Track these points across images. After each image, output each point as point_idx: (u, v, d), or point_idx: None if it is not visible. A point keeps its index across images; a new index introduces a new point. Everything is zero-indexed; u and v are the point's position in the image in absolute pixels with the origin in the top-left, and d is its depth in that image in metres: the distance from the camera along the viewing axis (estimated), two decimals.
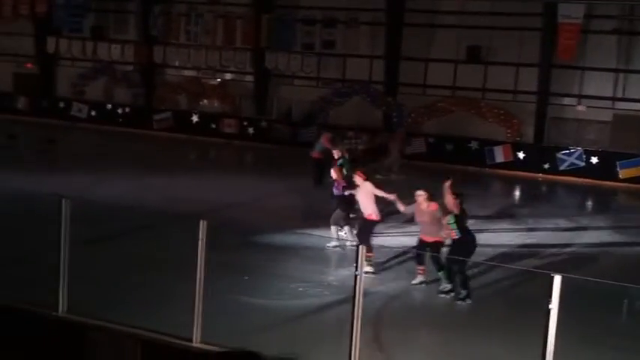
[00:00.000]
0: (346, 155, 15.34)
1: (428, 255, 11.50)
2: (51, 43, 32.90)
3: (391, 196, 12.24)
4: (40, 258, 10.46)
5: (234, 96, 31.39)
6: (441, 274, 11.37)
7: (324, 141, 19.34)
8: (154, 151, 26.51)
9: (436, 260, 11.38)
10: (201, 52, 30.56)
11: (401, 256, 13.24)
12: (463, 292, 10.96)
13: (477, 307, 10.90)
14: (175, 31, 30.96)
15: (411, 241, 12.72)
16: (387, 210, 13.45)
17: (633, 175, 23.93)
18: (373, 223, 12.61)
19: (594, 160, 24.49)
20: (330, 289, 11.32)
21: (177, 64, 31.70)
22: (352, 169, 14.08)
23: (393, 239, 14.42)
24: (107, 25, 33.14)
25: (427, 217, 11.50)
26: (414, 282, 11.71)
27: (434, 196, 11.66)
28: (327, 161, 17.23)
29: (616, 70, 25.72)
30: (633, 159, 24.08)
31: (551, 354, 6.67)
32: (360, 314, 7.46)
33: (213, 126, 30.04)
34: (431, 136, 26.74)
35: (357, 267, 7.53)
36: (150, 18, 31.22)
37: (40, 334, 8.60)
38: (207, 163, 26.48)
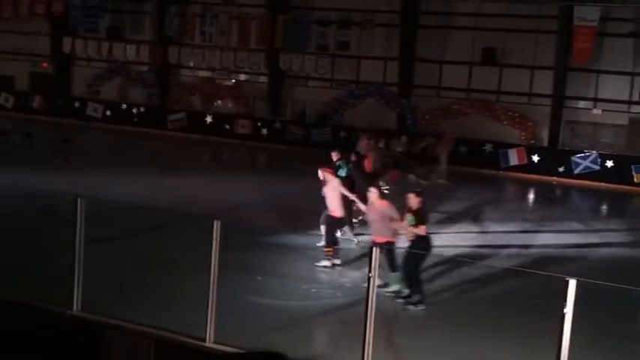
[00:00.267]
0: (344, 159, 15.42)
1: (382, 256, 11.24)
2: (67, 43, 33.13)
3: (352, 196, 12.20)
4: (55, 256, 10.53)
5: (248, 97, 31.46)
6: (393, 275, 11.10)
7: (363, 146, 19.09)
8: (168, 152, 26.61)
9: (390, 261, 11.11)
10: (215, 53, 30.65)
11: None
12: (416, 297, 10.61)
13: (483, 311, 10.85)
14: (190, 31, 31.07)
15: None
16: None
17: None
18: (335, 219, 12.74)
19: (609, 163, 24.33)
20: (341, 291, 11.30)
21: (191, 64, 31.82)
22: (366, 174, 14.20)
23: None
24: (123, 26, 33.32)
25: (377, 215, 11.27)
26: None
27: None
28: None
29: (632, 74, 25.56)
30: None
31: (566, 359, 6.62)
32: (373, 315, 7.44)
33: (227, 127, 30.11)
34: (419, 135, 26.60)
35: (370, 268, 7.52)
36: (165, 19, 31.37)
37: (55, 332, 8.65)
38: (220, 164, 26.54)
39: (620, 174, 24.02)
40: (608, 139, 26.15)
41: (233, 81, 31.89)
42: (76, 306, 8.90)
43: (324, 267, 12.41)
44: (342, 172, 14.71)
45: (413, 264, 10.65)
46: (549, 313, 7.11)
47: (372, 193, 11.46)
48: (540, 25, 26.24)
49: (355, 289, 10.81)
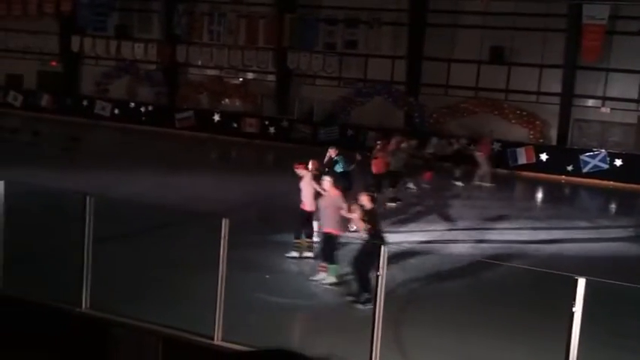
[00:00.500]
0: (342, 155, 15.58)
1: (324, 246, 11.33)
2: (75, 42, 33.23)
3: (321, 190, 12.26)
4: (64, 254, 10.56)
5: (255, 95, 31.47)
6: (332, 267, 11.16)
7: (391, 146, 19.00)
8: (176, 150, 26.65)
9: (330, 252, 11.14)
10: (223, 52, 30.69)
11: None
12: (364, 295, 10.41)
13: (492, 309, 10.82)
14: (198, 30, 31.11)
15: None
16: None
17: None
18: (305, 212, 12.84)
19: (618, 162, 24.24)
20: (349, 289, 11.29)
21: (199, 63, 31.87)
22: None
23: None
24: (131, 24, 33.39)
25: (328, 204, 11.32)
26: (313, 278, 11.40)
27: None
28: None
29: None
30: None
31: (575, 358, 6.60)
32: (381, 313, 7.44)
33: (235, 125, 30.14)
34: (453, 137, 26.58)
35: (378, 267, 7.52)
36: (173, 17, 31.42)
37: (64, 329, 8.68)
38: (228, 163, 26.56)
39: (629, 173, 23.93)
40: (617, 138, 26.05)
41: (241, 79, 31.91)
42: (85, 304, 8.94)
43: (292, 258, 12.61)
44: (339, 168, 15.08)
45: (363, 262, 10.52)
46: (559, 312, 7.09)
47: (326, 182, 11.55)
48: (549, 24, 26.15)
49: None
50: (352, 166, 15.96)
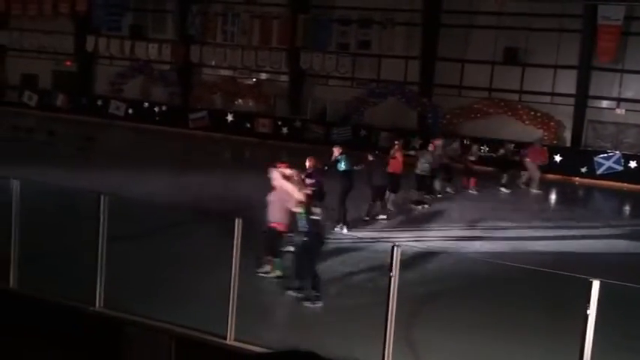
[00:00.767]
0: (345, 154, 15.56)
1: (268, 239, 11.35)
2: (90, 42, 33.44)
3: (291, 188, 12.25)
4: (78, 253, 10.62)
5: (269, 96, 31.53)
6: (277, 261, 11.22)
7: (432, 149, 19.24)
8: (190, 150, 26.74)
9: (275, 246, 11.16)
10: (237, 52, 30.77)
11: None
12: (311, 292, 10.34)
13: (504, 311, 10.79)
14: (212, 30, 31.21)
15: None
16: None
17: None
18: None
19: (633, 164, 24.09)
20: (362, 290, 11.29)
21: (213, 63, 31.97)
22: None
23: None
24: (145, 25, 33.55)
25: (276, 197, 11.34)
26: (258, 270, 11.34)
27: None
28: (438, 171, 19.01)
29: None
30: None
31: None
32: (394, 314, 7.43)
33: (248, 125, 30.21)
34: (466, 137, 26.50)
35: (391, 268, 7.51)
36: (187, 17, 31.55)
37: (77, 328, 8.73)
38: (241, 163, 26.61)
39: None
40: (632, 140, 25.87)
41: (254, 80, 31.98)
42: (99, 302, 8.99)
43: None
44: (341, 167, 15.26)
45: (305, 258, 10.54)
46: (573, 314, 7.06)
47: (275, 174, 11.54)
48: (564, 24, 26.03)
49: (377, 288, 10.78)
50: (359, 166, 16.04)
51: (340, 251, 13.63)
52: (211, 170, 21.48)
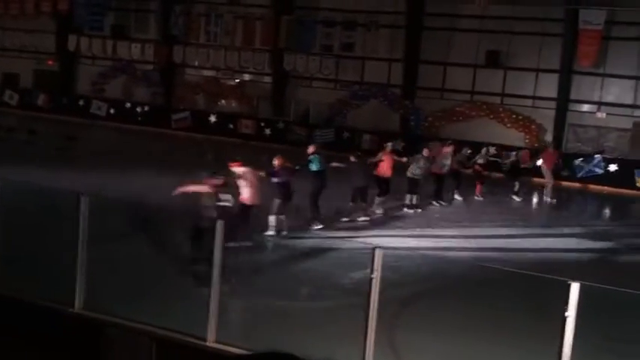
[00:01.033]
0: (317, 154, 15.87)
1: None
2: (72, 41, 33.21)
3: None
4: (58, 254, 10.54)
5: (252, 97, 31.49)
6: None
7: (445, 153, 19.17)
8: (172, 150, 26.60)
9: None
10: (220, 53, 30.69)
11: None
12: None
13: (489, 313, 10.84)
14: (195, 31, 31.13)
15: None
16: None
17: None
18: (245, 206, 13.47)
19: (613, 167, 24.30)
20: (343, 292, 11.30)
21: (196, 64, 31.86)
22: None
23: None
24: (128, 24, 33.38)
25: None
26: None
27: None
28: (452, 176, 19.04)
29: (637, 78, 25.55)
30: None
31: None
32: (375, 316, 7.44)
33: (231, 126, 30.13)
34: (448, 140, 26.56)
35: (372, 270, 7.51)
36: (170, 18, 31.43)
37: (57, 330, 8.66)
38: (223, 164, 26.48)
39: (623, 178, 23.99)
40: (612, 143, 26.12)
41: (237, 81, 31.92)
42: (78, 304, 8.92)
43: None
44: (313, 167, 15.43)
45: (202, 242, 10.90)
46: (553, 316, 7.11)
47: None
48: (545, 28, 26.22)
49: (356, 289, 10.80)
50: (340, 165, 16.21)
51: (321, 252, 13.65)
52: (194, 171, 21.34)
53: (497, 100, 27.47)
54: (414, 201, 18.06)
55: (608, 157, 24.79)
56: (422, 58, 28.21)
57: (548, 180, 21.30)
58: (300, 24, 29.37)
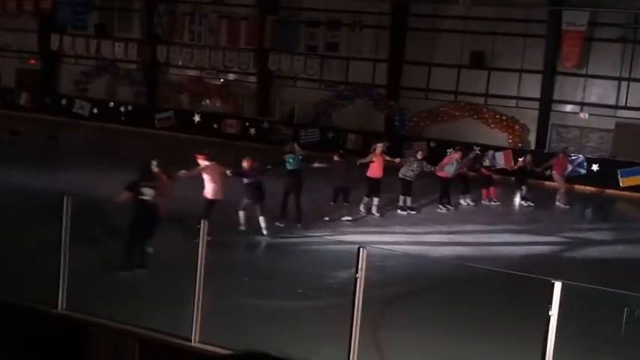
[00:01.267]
0: (294, 153, 16.12)
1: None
2: (54, 40, 32.96)
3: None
4: (40, 255, 10.45)
5: (236, 96, 31.40)
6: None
7: (452, 159, 18.91)
8: (156, 150, 26.41)
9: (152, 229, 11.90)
10: (204, 52, 30.58)
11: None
12: (128, 261, 11.39)
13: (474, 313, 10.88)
14: (179, 30, 30.99)
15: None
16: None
17: (634, 184, 23.95)
18: (209, 201, 13.81)
19: (595, 167, 24.48)
20: (328, 291, 11.30)
21: (180, 63, 31.72)
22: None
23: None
24: (111, 23, 33.19)
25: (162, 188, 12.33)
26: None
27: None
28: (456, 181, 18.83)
29: (619, 79, 25.75)
30: (634, 167, 24.08)
31: None
32: (359, 316, 7.44)
33: (215, 126, 30.04)
34: (432, 140, 26.71)
35: (357, 269, 7.52)
36: (154, 17, 31.27)
37: (40, 330, 8.59)
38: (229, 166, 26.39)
39: (606, 178, 24.17)
40: (595, 143, 26.32)
41: (222, 80, 31.83)
42: (61, 305, 8.85)
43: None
44: (289, 166, 15.61)
45: (134, 233, 11.54)
46: (535, 315, 7.15)
47: (154, 166, 12.65)
48: (529, 29, 26.37)
49: (341, 289, 10.80)
50: (322, 165, 16.27)
51: (306, 252, 13.64)
52: (177, 170, 21.24)
53: (481, 100, 27.58)
54: (408, 203, 17.95)
55: (591, 157, 24.96)
56: (406, 58, 28.28)
57: (559, 186, 20.80)
58: (285, 24, 29.33)
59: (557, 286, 6.55)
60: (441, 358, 9.30)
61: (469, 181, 19.63)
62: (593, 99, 26.17)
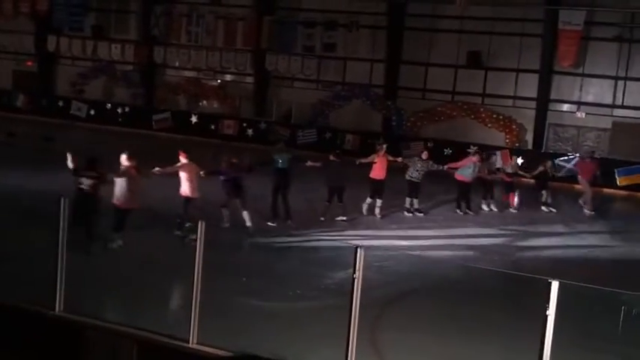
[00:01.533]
0: (285, 152, 16.44)
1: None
2: (51, 42, 32.91)
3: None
4: (38, 256, 10.44)
5: (233, 97, 31.38)
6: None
7: (469, 161, 18.47)
8: (153, 151, 26.38)
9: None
10: (201, 53, 30.56)
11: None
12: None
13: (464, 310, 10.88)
14: (176, 31, 30.97)
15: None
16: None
17: (631, 183, 23.97)
18: (186, 198, 14.22)
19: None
20: (326, 292, 11.29)
21: (177, 64, 31.69)
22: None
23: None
24: (108, 25, 33.15)
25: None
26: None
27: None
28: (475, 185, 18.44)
29: (615, 78, 25.78)
30: (631, 166, 24.10)
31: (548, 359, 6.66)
32: (357, 316, 7.44)
33: (213, 127, 30.01)
34: (430, 140, 26.71)
35: (354, 269, 7.52)
36: (151, 18, 31.25)
37: (37, 332, 8.58)
38: (205, 164, 26.36)
39: (603, 177, 24.13)
40: (592, 143, 26.34)
41: (219, 81, 31.81)
42: (59, 307, 8.84)
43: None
44: (277, 164, 15.82)
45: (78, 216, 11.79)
46: (532, 314, 7.15)
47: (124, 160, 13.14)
48: (525, 29, 26.39)
49: (339, 290, 10.80)
50: (316, 164, 16.34)
51: (304, 251, 13.63)
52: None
53: (478, 100, 27.59)
54: (415, 205, 17.81)
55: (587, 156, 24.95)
56: (403, 58, 28.28)
57: (586, 191, 19.94)
58: (282, 24, 29.31)
59: (555, 285, 6.55)
60: (439, 358, 9.30)
61: (490, 186, 19.11)
62: (590, 98, 26.20)
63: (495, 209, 19.11)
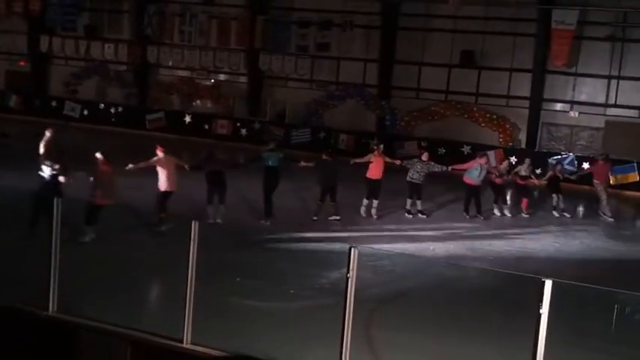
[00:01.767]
0: (275, 151, 16.46)
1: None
2: (44, 42, 32.82)
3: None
4: (31, 256, 10.42)
5: (227, 97, 31.35)
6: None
7: (481, 163, 18.05)
8: (146, 151, 26.33)
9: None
10: (195, 53, 30.53)
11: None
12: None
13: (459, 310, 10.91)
14: (169, 31, 30.92)
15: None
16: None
17: (624, 182, 24.03)
18: (162, 193, 14.45)
19: (586, 165, 24.53)
20: (321, 292, 11.29)
21: (170, 64, 31.65)
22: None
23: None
24: (101, 25, 33.08)
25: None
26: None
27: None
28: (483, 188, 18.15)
29: (608, 77, 25.86)
30: (624, 165, 24.17)
31: (542, 358, 6.67)
32: (351, 316, 7.45)
33: (206, 127, 29.97)
34: (423, 139, 26.75)
35: (348, 269, 7.52)
36: (144, 18, 31.19)
37: (30, 333, 8.55)
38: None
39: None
40: (585, 142, 26.41)
41: (212, 81, 31.77)
42: (52, 307, 8.82)
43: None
44: (268, 162, 15.85)
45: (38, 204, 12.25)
46: (525, 313, 7.17)
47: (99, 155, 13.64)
48: (519, 28, 26.44)
49: (333, 289, 10.80)
50: (307, 164, 16.34)
51: (298, 252, 13.63)
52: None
53: (471, 99, 27.64)
54: (418, 206, 17.67)
55: (581, 155, 25.04)
56: (397, 58, 28.31)
57: (602, 195, 19.26)
58: (276, 24, 29.30)
59: (548, 284, 6.57)
60: (433, 357, 9.31)
61: (502, 190, 18.77)
62: (583, 97, 26.28)
63: (509, 214, 18.61)
